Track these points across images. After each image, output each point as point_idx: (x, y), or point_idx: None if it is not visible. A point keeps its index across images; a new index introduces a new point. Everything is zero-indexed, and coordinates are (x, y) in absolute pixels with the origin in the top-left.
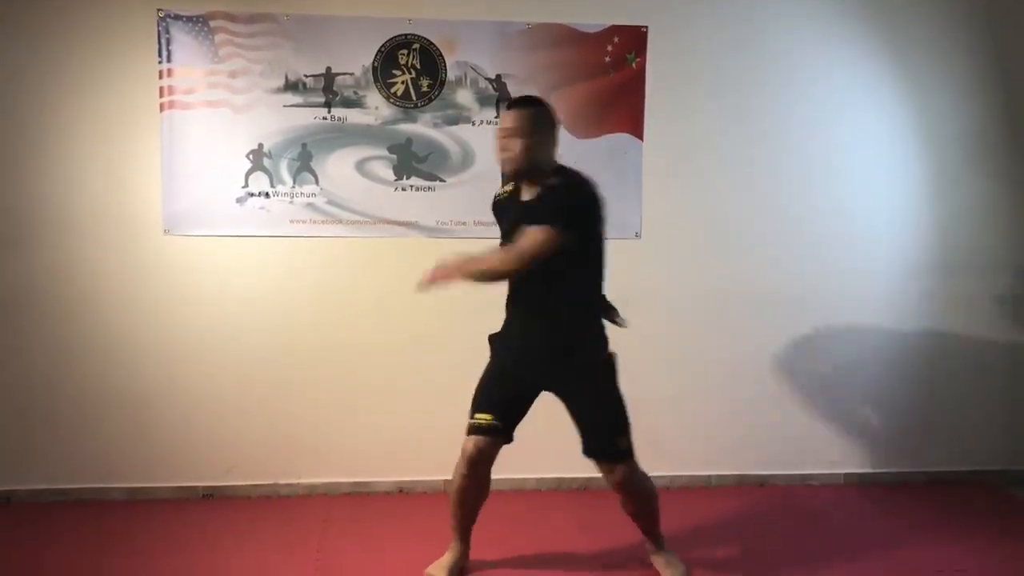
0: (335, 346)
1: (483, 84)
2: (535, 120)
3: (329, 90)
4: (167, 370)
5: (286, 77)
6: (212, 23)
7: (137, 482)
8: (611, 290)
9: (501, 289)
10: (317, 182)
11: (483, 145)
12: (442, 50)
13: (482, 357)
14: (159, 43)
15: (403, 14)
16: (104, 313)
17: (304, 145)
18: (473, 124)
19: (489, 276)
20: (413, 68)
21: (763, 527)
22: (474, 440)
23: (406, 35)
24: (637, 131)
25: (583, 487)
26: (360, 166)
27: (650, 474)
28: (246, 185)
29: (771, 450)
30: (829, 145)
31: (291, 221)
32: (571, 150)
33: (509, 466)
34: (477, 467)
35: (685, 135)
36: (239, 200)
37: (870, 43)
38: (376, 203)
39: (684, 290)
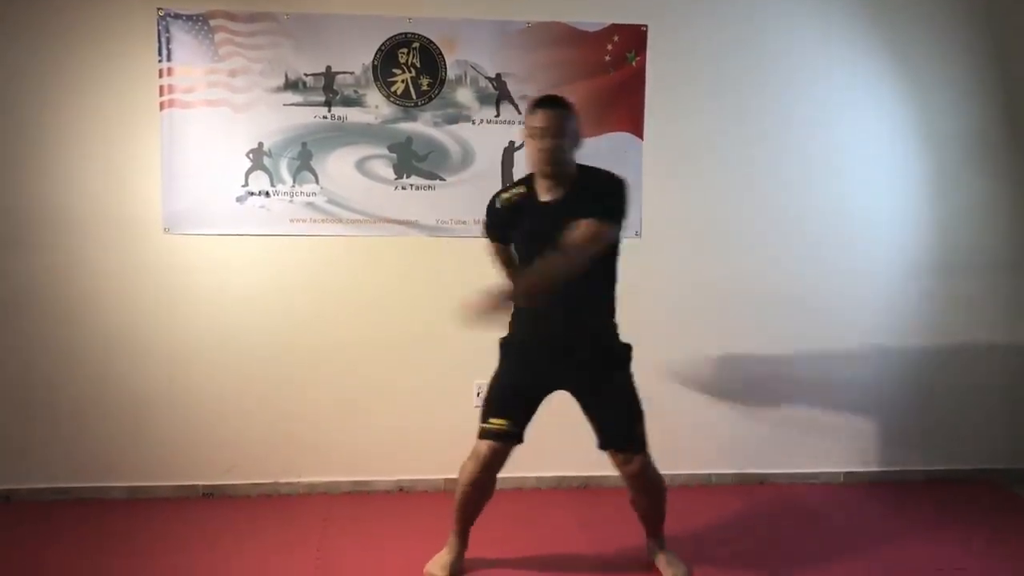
0: (335, 345)
1: (483, 83)
2: (568, 120)
3: (329, 89)
4: (167, 369)
5: (286, 76)
6: (212, 22)
7: (137, 481)
8: None
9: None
10: (317, 181)
11: (483, 144)
12: (442, 49)
13: (481, 356)
14: (159, 42)
15: (403, 13)
16: (104, 312)
17: (304, 144)
18: (473, 123)
19: (557, 278)
20: (413, 67)
21: (763, 526)
22: (489, 445)
23: (406, 34)
24: (637, 130)
25: (583, 485)
26: (360, 165)
27: None
28: (246, 184)
29: (771, 448)
30: (829, 144)
31: (291, 220)
32: None
33: (509, 465)
34: (489, 471)
35: (685, 134)
36: (239, 199)
37: (870, 42)
38: (376, 202)
39: (684, 289)
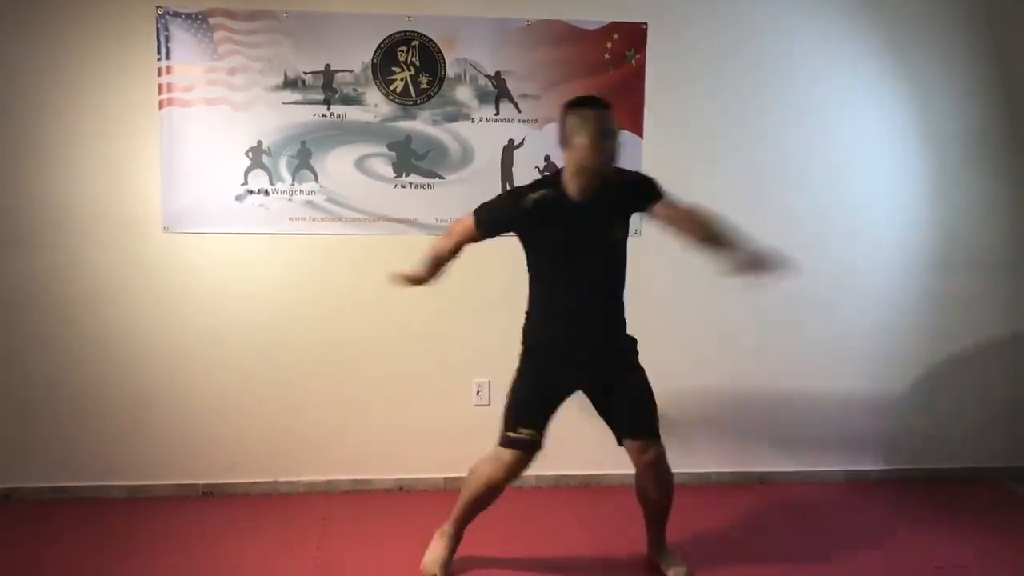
0: (335, 344)
1: (482, 81)
2: (614, 120)
3: (328, 87)
4: (167, 368)
5: (285, 74)
6: (211, 20)
7: (137, 480)
8: None
9: (500, 288)
10: (316, 179)
11: (483, 142)
12: (441, 47)
13: (481, 355)
14: (158, 40)
15: (402, 11)
16: (104, 311)
17: (303, 142)
18: (472, 121)
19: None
20: (412, 65)
21: (763, 525)
22: (515, 454)
23: (405, 32)
24: (636, 128)
25: (583, 484)
26: (359, 163)
27: None
28: (245, 183)
29: (771, 447)
30: (829, 143)
31: (290, 219)
32: None
33: None
34: (511, 478)
35: (685, 133)
36: (238, 198)
37: (870, 42)
38: (375, 200)
39: (683, 287)
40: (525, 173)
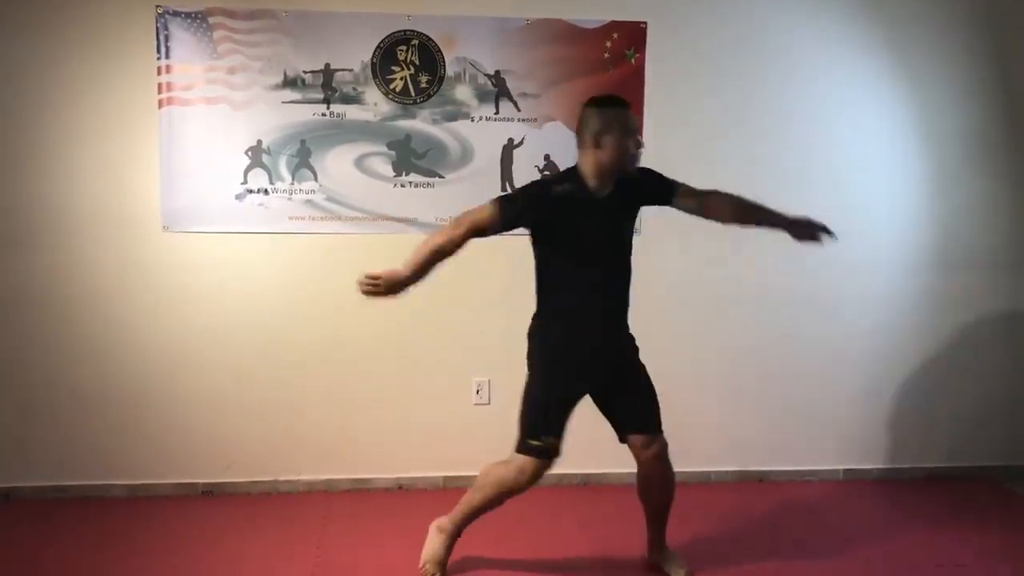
0: (335, 343)
1: (482, 80)
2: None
3: (328, 86)
4: (166, 367)
5: (285, 73)
6: (211, 19)
7: (137, 479)
8: None
9: (500, 287)
10: (316, 179)
11: (482, 141)
12: (441, 46)
13: (480, 354)
14: (157, 39)
15: (402, 10)
16: (103, 310)
17: (303, 141)
18: (472, 120)
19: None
20: (412, 64)
21: (763, 523)
22: (539, 463)
23: (405, 31)
24: None
25: (583, 483)
26: (359, 162)
27: None
28: (245, 182)
29: (771, 446)
30: (829, 142)
31: (290, 218)
32: (570, 146)
33: None
34: (531, 485)
35: (684, 132)
36: (238, 197)
37: (870, 41)
38: (375, 199)
39: (683, 286)
40: (525, 172)
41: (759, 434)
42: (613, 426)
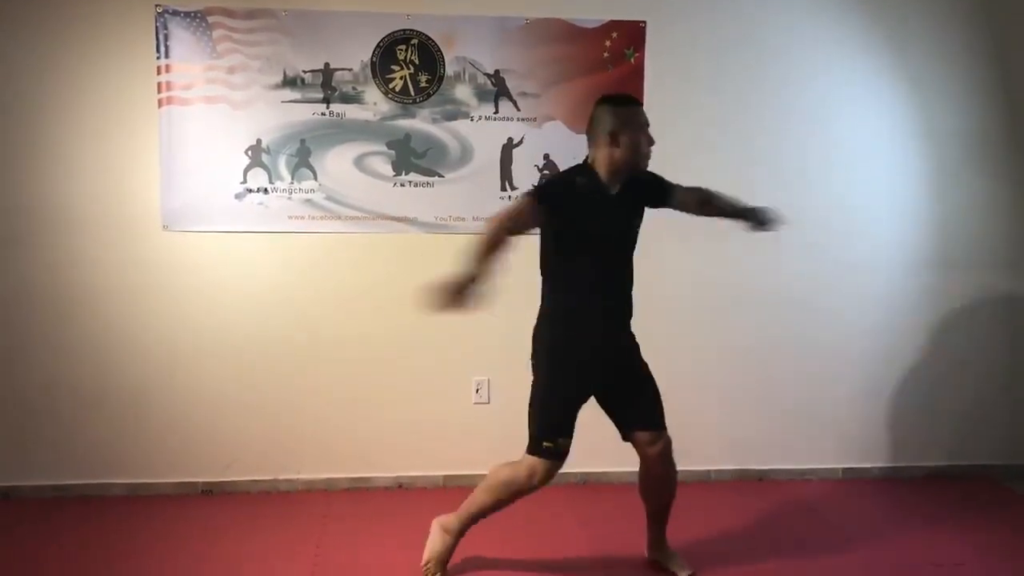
0: (334, 342)
1: (481, 79)
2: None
3: (327, 86)
4: (166, 366)
5: (284, 73)
6: (210, 19)
7: (137, 478)
8: None
9: (501, 286)
10: (315, 178)
11: (482, 141)
12: (440, 45)
13: (480, 353)
14: (157, 39)
15: (401, 9)
16: (103, 309)
17: (302, 141)
18: (472, 120)
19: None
20: (411, 63)
21: (762, 523)
22: (550, 465)
23: (404, 30)
24: None
25: (583, 482)
26: (358, 162)
27: None
28: (244, 181)
29: (770, 445)
30: (829, 141)
31: (289, 217)
32: (570, 145)
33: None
34: (542, 486)
35: (684, 131)
36: (237, 196)
37: (870, 39)
38: (374, 199)
39: (682, 285)
40: (524, 171)
41: (758, 433)
42: (616, 424)
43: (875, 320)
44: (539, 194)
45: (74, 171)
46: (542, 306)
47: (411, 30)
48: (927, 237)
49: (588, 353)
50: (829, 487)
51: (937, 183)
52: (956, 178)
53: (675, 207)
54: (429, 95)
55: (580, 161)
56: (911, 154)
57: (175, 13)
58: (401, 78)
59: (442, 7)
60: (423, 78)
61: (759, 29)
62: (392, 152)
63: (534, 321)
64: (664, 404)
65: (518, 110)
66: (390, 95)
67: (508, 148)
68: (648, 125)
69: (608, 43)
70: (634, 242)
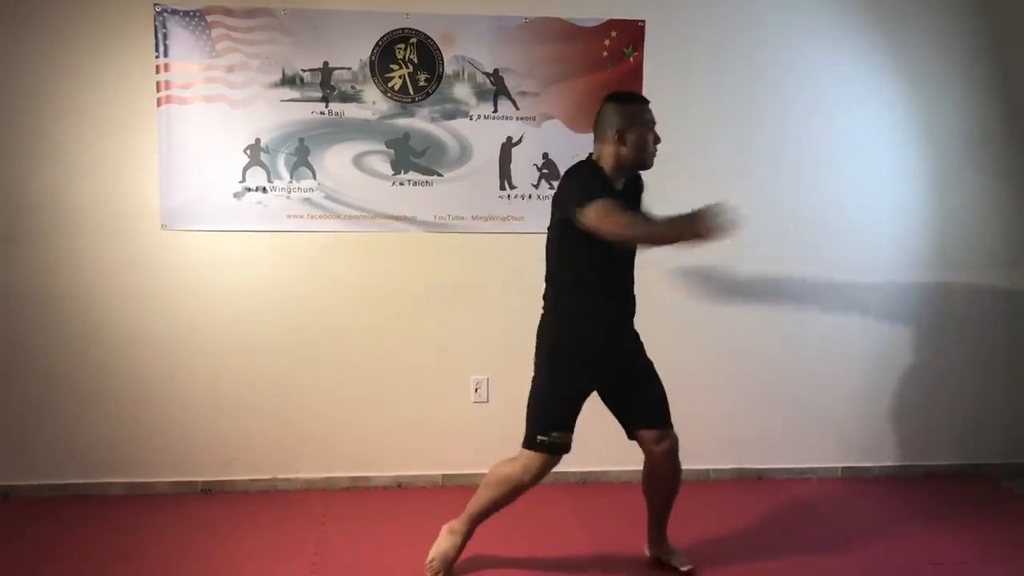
0: (333, 341)
1: (481, 79)
2: None
3: (326, 85)
4: (165, 365)
5: (283, 72)
6: (209, 18)
7: (136, 477)
8: None
9: (499, 286)
10: (314, 177)
11: (481, 140)
12: (440, 44)
13: (479, 352)
14: (156, 38)
15: (400, 8)
16: (102, 308)
17: (301, 140)
18: (471, 119)
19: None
20: (411, 62)
21: (762, 521)
22: (544, 457)
23: (403, 29)
24: None
25: (582, 481)
26: (357, 161)
27: None
28: (243, 180)
29: (769, 444)
30: (828, 140)
31: (288, 216)
32: (569, 144)
33: None
34: (539, 481)
35: (682, 130)
36: (236, 195)
37: (869, 38)
38: (373, 198)
39: (682, 285)
40: (524, 171)
41: (758, 432)
42: (621, 423)
43: (874, 319)
44: (598, 199)
45: (73, 170)
46: (548, 306)
47: (410, 29)
48: (927, 237)
49: (591, 352)
50: (828, 486)
51: (937, 182)
52: (956, 177)
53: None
54: (428, 94)
55: (582, 159)
56: (911, 153)
57: (174, 12)
58: (400, 77)
59: (441, 6)
60: (422, 77)
61: (758, 28)
62: (391, 151)
63: (533, 321)
64: None
65: (517, 109)
66: (389, 94)
67: (507, 147)
68: (655, 123)
69: (607, 42)
70: None
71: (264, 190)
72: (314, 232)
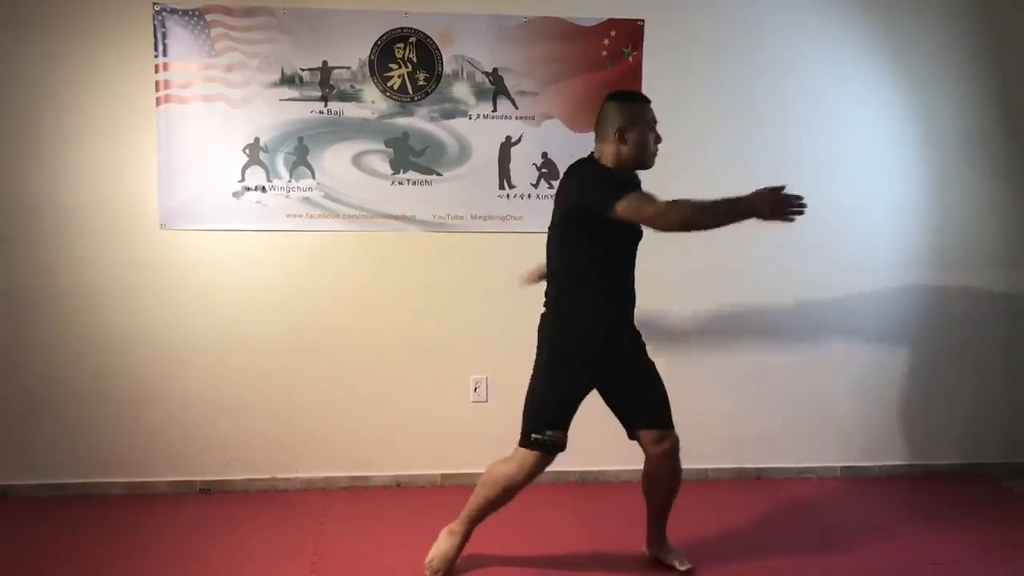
0: (332, 340)
1: (480, 78)
2: None
3: (325, 84)
4: (164, 365)
5: (282, 71)
6: (208, 17)
7: (135, 476)
8: None
9: (498, 285)
10: (313, 176)
11: (480, 139)
12: (439, 44)
13: (478, 351)
14: (155, 37)
15: (400, 7)
16: (101, 308)
17: (300, 139)
18: (470, 118)
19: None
20: (410, 62)
21: (760, 521)
22: (538, 456)
23: (403, 28)
24: None
25: (581, 480)
26: (357, 160)
27: None
28: (242, 179)
29: (769, 443)
30: (827, 139)
31: (287, 215)
32: (568, 144)
33: None
34: (532, 480)
35: (681, 130)
36: (235, 194)
37: (868, 38)
38: (372, 197)
39: (680, 284)
40: (522, 170)
41: (757, 431)
42: (622, 422)
43: (873, 319)
44: (626, 195)
45: (72, 169)
46: (549, 304)
47: (409, 28)
48: (926, 236)
49: (591, 352)
50: (827, 485)
51: (936, 181)
52: (955, 178)
53: None
54: (427, 93)
55: (583, 156)
56: (910, 153)
57: (173, 11)
58: (399, 76)
59: (440, 5)
60: (421, 76)
61: (758, 29)
62: (390, 150)
63: (532, 320)
64: None
65: (516, 108)
66: (388, 93)
67: (506, 146)
68: (656, 123)
69: (606, 41)
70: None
71: (263, 189)
72: (313, 231)
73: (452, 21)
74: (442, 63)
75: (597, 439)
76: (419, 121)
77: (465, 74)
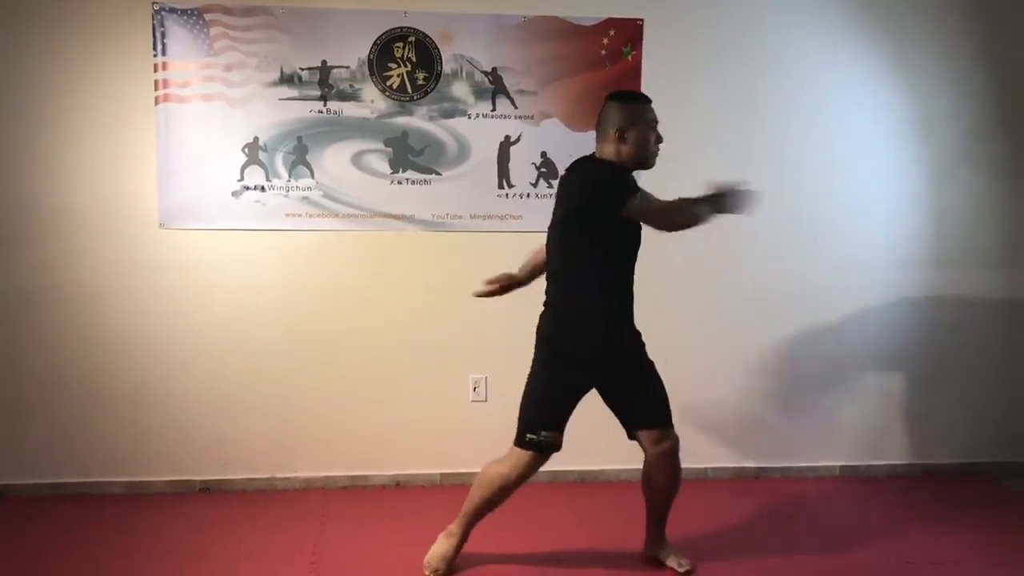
0: (331, 340)
1: (479, 77)
2: None
3: (325, 83)
4: (163, 364)
5: (281, 70)
6: (207, 16)
7: (134, 476)
8: None
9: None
10: (313, 175)
11: (479, 138)
12: (438, 43)
13: (477, 350)
14: (154, 36)
15: (399, 7)
16: (100, 307)
17: (300, 138)
18: (469, 117)
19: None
20: (409, 61)
21: (759, 520)
22: (533, 456)
23: (402, 28)
24: None
25: (580, 480)
26: (356, 159)
27: None
28: (241, 179)
29: (767, 443)
30: (826, 139)
31: (286, 215)
32: (567, 143)
33: None
34: (527, 479)
35: (681, 129)
36: (234, 194)
37: (868, 37)
38: (372, 196)
39: (680, 284)
40: (522, 169)
41: (756, 431)
42: (621, 422)
43: (872, 318)
44: (630, 185)
45: (71, 168)
46: (549, 303)
47: (408, 27)
48: (925, 236)
49: (590, 351)
50: (826, 485)
51: (935, 182)
52: (954, 176)
53: None
54: (426, 93)
55: (586, 155)
56: (909, 152)
57: (172, 11)
58: (398, 76)
59: (440, 4)
60: (420, 75)
61: (757, 28)
62: (389, 150)
63: (532, 319)
64: None
65: (515, 108)
66: (387, 92)
67: (505, 146)
68: (657, 123)
69: (606, 41)
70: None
71: (262, 189)
72: (312, 231)
73: (451, 20)
74: (441, 62)
75: (596, 439)
76: (418, 120)
77: (464, 73)
